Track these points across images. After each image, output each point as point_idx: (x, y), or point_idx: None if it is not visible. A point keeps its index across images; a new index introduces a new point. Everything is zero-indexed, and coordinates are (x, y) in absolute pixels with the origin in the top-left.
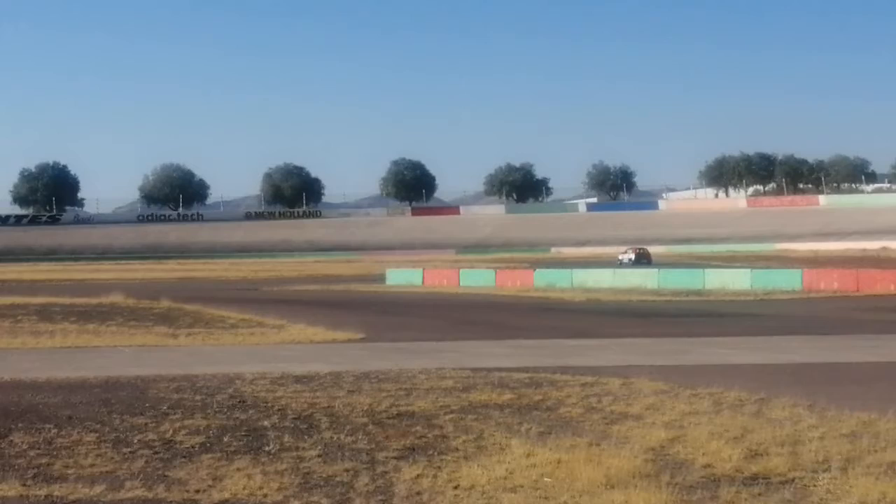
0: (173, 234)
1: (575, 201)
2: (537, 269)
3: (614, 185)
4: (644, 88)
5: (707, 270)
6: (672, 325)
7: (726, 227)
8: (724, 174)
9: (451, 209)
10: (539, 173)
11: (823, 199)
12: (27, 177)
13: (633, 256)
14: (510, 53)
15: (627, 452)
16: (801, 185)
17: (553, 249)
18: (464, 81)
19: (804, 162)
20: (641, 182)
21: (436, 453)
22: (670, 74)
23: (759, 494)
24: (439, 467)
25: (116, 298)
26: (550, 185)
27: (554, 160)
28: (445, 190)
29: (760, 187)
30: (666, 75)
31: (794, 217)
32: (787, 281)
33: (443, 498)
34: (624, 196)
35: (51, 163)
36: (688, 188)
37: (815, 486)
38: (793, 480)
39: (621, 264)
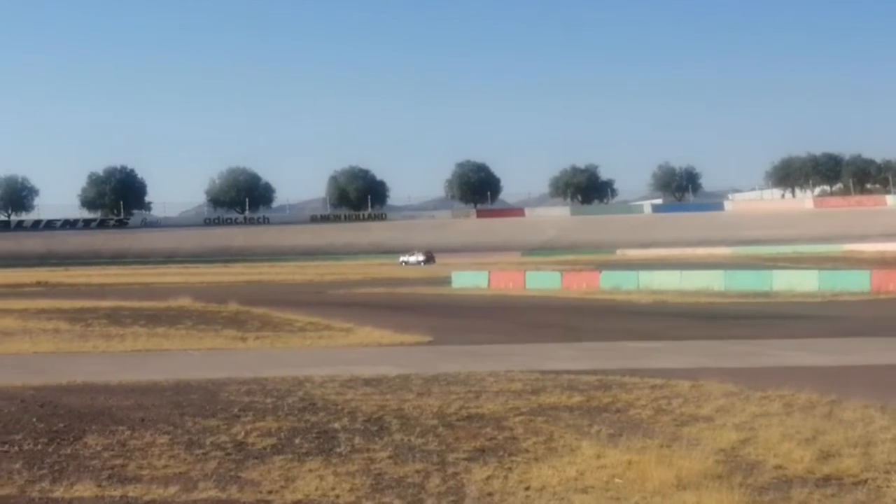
0: (239, 237)
1: (640, 203)
2: (603, 271)
3: (680, 187)
4: (709, 89)
5: (774, 272)
6: (740, 326)
7: (793, 228)
8: (790, 175)
9: (516, 211)
10: (604, 175)
11: (891, 200)
12: (95, 181)
13: (422, 258)
14: (572, 52)
15: (698, 454)
16: (868, 186)
17: (619, 251)
18: (526, 82)
19: (871, 162)
20: (707, 183)
21: (506, 455)
22: (736, 75)
23: (832, 496)
24: (510, 468)
25: (184, 302)
26: (615, 186)
27: (619, 162)
28: (510, 192)
29: (827, 188)
30: (731, 76)
31: (862, 217)
32: (856, 282)
33: (514, 499)
34: (689, 197)
35: (118, 167)
36: (754, 189)
37: (888, 487)
38: (866, 482)
39: (407, 264)
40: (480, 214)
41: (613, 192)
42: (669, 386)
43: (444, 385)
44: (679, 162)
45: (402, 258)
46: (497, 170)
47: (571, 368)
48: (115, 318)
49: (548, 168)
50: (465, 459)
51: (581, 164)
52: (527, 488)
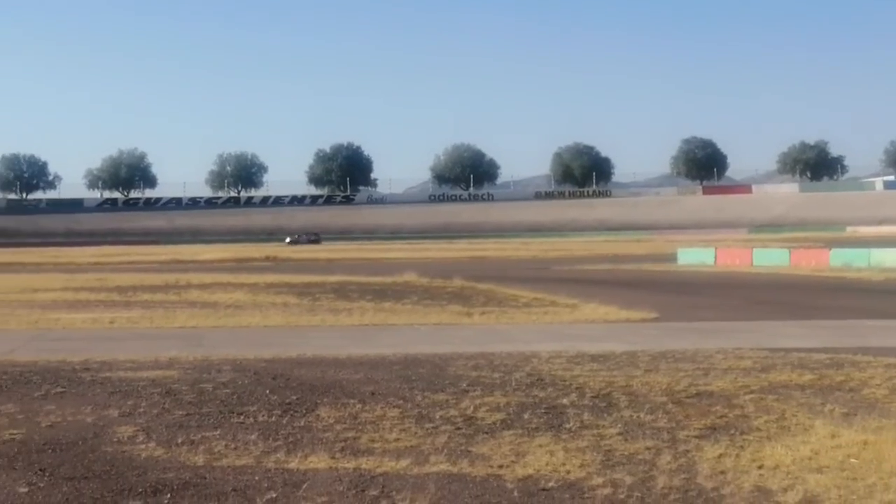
0: (464, 213)
1: (871, 179)
2: (833, 249)
3: None
4: None
5: None
6: None
7: None
8: None
9: (742, 188)
10: (834, 151)
11: None
12: (322, 158)
13: (314, 237)
14: (802, 28)
15: None
16: None
17: (849, 228)
18: (753, 59)
19: None
20: None
21: (738, 433)
22: None
23: None
24: (742, 447)
25: (410, 277)
26: (846, 162)
27: (850, 138)
28: (737, 168)
29: None
30: None
31: None
32: None
33: (747, 477)
34: None
35: (345, 144)
36: None
37: None
38: None
39: (297, 242)
40: (706, 191)
41: (843, 169)
42: None
43: (672, 362)
44: None
45: (289, 238)
46: (724, 146)
47: (801, 346)
48: (342, 292)
49: (776, 144)
50: (695, 437)
51: (811, 140)
52: (760, 467)
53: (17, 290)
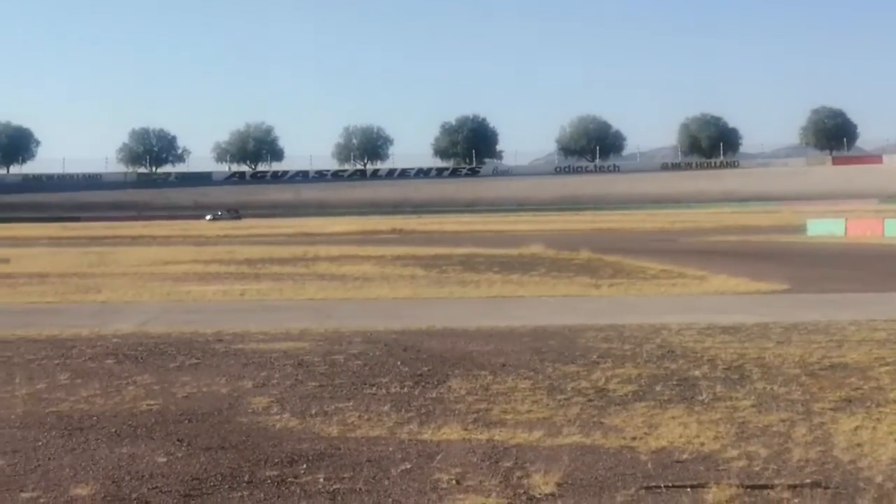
0: (590, 185)
1: None
2: None
3: None
4: None
5: None
6: None
7: None
8: None
9: (873, 158)
10: None
11: None
12: (448, 130)
13: (236, 214)
14: None
15: None
16: None
17: None
18: (883, 23)
19: None
20: None
21: (873, 405)
22: None
23: None
24: (878, 419)
25: (536, 249)
26: None
27: None
28: (867, 139)
29: None
30: None
31: None
32: None
33: (885, 450)
34: None
35: (470, 116)
36: None
37: None
38: None
39: (219, 219)
40: (836, 162)
41: None
42: None
43: (804, 334)
44: None
45: (209, 215)
46: (854, 116)
47: None
48: (469, 264)
49: None
50: (830, 409)
51: None
52: None
53: (148, 262)
